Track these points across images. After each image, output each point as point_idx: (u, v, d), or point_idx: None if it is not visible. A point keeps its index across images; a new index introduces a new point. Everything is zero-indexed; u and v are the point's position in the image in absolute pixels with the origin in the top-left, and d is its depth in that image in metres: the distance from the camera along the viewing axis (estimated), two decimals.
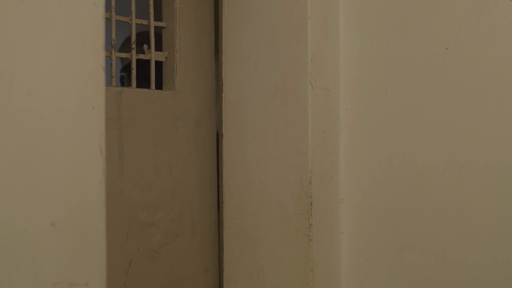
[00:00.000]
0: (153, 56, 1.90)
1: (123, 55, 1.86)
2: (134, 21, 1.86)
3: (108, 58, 1.77)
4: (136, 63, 1.87)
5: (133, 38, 1.85)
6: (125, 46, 2.28)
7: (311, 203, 1.79)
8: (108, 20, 1.76)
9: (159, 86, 1.95)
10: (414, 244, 1.80)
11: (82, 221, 1.15)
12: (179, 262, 1.92)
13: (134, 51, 1.85)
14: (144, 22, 1.89)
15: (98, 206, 1.17)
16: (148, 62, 1.92)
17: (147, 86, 1.91)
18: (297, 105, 1.81)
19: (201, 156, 2.00)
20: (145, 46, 1.89)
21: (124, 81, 2.33)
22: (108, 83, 1.78)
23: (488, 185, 1.71)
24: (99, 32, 1.16)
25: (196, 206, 1.98)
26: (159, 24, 1.92)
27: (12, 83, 1.04)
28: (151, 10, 1.89)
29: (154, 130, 1.87)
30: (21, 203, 1.06)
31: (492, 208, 1.71)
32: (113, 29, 1.80)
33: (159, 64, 1.94)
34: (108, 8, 1.76)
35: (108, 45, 1.78)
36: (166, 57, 1.93)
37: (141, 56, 1.88)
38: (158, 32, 1.95)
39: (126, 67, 2.32)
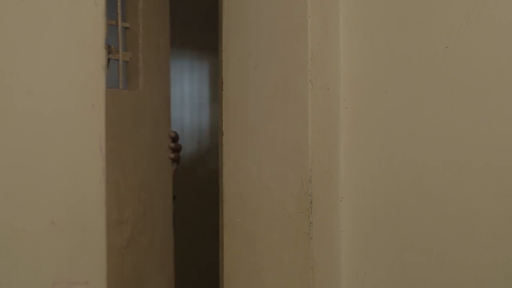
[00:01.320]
0: (121, 56, 1.92)
1: None
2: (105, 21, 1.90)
3: None
4: None
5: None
6: None
7: (311, 202, 1.79)
8: None
9: None
10: (414, 244, 1.80)
11: (82, 220, 1.15)
12: (143, 258, 1.99)
13: (106, 51, 1.88)
14: (113, 22, 1.91)
15: (98, 205, 1.18)
16: None
17: None
18: (297, 104, 1.81)
19: (160, 156, 2.06)
20: (113, 46, 1.91)
21: None
22: None
23: (488, 185, 1.71)
24: (100, 31, 1.16)
25: (156, 204, 2.04)
26: (124, 24, 1.96)
27: (12, 83, 1.04)
28: (119, 11, 1.92)
29: (121, 129, 1.91)
30: (21, 203, 1.06)
31: (492, 208, 1.71)
32: None
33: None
34: None
35: None
36: (130, 57, 1.96)
37: (110, 56, 1.90)
38: None
39: None
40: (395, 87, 1.83)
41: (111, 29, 1.91)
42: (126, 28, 1.98)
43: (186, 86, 3.99)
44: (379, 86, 1.85)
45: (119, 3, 1.93)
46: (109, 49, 1.91)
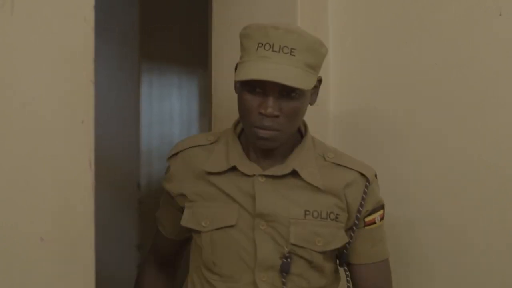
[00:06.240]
0: None
1: None
2: None
3: None
4: None
5: None
6: None
7: None
8: None
9: None
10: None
11: (71, 236, 1.14)
12: None
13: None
14: None
15: (87, 221, 1.17)
16: None
17: None
18: None
19: None
20: None
21: None
22: None
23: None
24: (89, 47, 1.16)
25: None
26: None
27: (1, 99, 1.04)
28: None
29: None
30: (9, 218, 1.06)
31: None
32: None
33: None
34: None
35: None
36: None
37: None
38: None
39: None
40: (384, 103, 1.85)
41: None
42: None
43: (175, 102, 3.99)
44: (368, 102, 1.87)
45: None
46: None
